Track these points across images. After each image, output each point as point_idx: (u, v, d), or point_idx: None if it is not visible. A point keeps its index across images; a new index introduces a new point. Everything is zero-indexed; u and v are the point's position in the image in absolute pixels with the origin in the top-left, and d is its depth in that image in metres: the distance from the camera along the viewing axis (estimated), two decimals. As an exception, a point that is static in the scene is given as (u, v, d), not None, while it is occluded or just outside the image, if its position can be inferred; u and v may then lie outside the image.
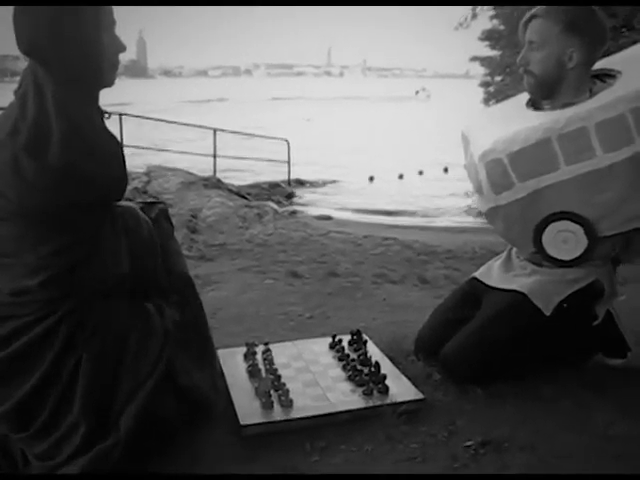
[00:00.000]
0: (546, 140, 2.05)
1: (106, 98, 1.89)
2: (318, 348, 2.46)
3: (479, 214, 11.55)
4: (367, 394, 2.07)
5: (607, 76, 2.20)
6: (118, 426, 1.73)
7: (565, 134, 2.04)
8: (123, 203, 1.93)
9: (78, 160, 1.66)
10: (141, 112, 15.43)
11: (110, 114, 1.90)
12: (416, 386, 2.13)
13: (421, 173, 18.64)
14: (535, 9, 2.16)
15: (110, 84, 1.83)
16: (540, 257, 2.21)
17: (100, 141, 1.74)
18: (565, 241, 2.13)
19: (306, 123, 35.59)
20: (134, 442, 1.73)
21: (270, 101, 66.94)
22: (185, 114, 29.59)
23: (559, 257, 2.16)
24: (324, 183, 16.53)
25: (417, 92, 79.62)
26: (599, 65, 2.22)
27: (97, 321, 1.77)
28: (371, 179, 17.51)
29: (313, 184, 16.19)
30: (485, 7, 13.28)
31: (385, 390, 2.08)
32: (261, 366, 2.27)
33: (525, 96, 2.31)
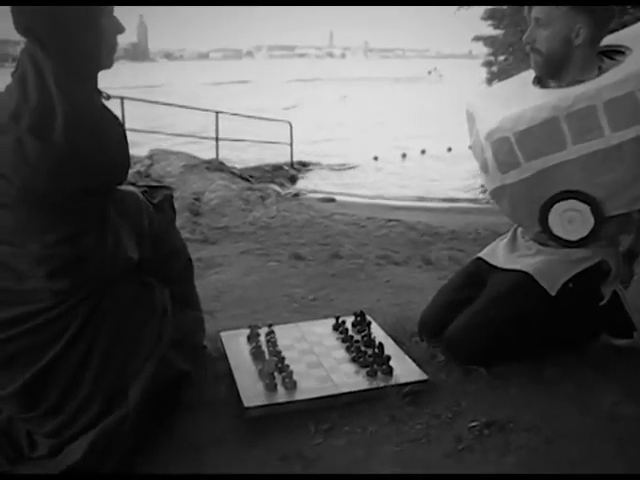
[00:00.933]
0: (554, 119, 2.02)
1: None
2: (322, 330, 2.45)
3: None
4: (371, 375, 2.06)
5: (616, 52, 2.16)
6: (126, 400, 1.74)
7: (573, 113, 2.01)
8: (124, 187, 1.92)
9: (82, 142, 1.64)
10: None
11: (109, 96, 1.88)
12: (420, 367, 2.12)
13: (424, 152, 18.61)
14: None
15: (109, 66, 1.82)
16: (546, 237, 2.20)
17: (104, 122, 1.74)
18: (571, 221, 2.11)
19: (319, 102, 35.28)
20: (143, 416, 1.76)
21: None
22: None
23: (565, 237, 2.15)
24: (328, 165, 16.50)
25: (429, 72, 79.03)
26: (607, 41, 2.17)
27: (109, 304, 1.78)
28: (375, 159, 17.49)
29: (317, 166, 16.15)
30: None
31: (389, 371, 2.07)
32: (264, 348, 2.27)
33: (530, 74, 2.28)
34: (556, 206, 2.11)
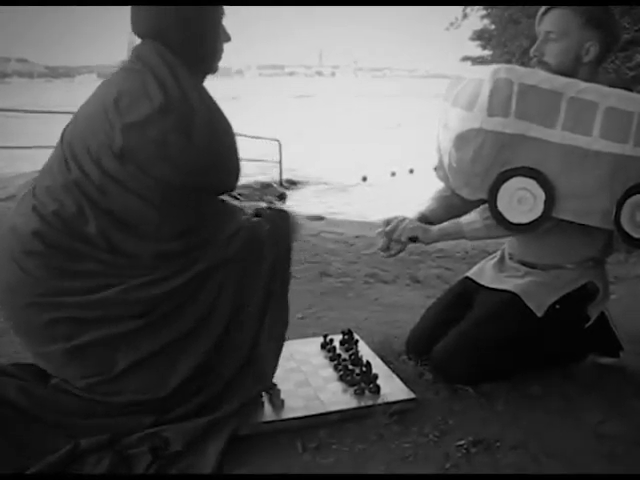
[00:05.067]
0: (559, 94, 1.97)
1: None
2: (309, 348, 2.45)
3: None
4: (358, 394, 2.07)
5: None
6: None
7: (577, 99, 1.97)
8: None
9: (217, 142, 1.73)
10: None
11: None
12: (407, 386, 2.12)
13: (412, 171, 18.61)
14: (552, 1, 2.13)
15: (215, 71, 1.90)
16: (488, 211, 2.09)
17: (227, 124, 1.82)
18: (521, 201, 2.03)
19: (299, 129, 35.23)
20: None
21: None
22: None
23: (506, 214, 2.06)
24: (316, 183, 16.49)
25: None
26: None
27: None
28: (364, 179, 17.49)
29: (305, 184, 16.15)
30: (476, 7, 13.29)
31: (376, 390, 2.08)
32: (252, 367, 2.26)
33: None
34: (515, 179, 2.03)
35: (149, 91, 1.70)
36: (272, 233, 1.96)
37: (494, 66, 2.03)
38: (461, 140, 2.05)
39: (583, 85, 1.99)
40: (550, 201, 2.02)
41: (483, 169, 2.04)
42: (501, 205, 2.05)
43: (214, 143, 1.72)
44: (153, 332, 1.77)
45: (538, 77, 1.99)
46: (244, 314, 1.89)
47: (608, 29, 2.12)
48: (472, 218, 2.17)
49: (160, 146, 1.67)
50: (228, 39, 1.90)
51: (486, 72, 2.02)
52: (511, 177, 2.02)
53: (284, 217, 2.04)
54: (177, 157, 1.67)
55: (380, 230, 2.28)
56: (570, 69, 2.12)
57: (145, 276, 1.75)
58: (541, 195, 2.02)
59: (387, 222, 2.28)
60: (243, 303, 1.88)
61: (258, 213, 2.03)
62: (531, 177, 2.01)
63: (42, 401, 1.76)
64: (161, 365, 1.78)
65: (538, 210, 2.04)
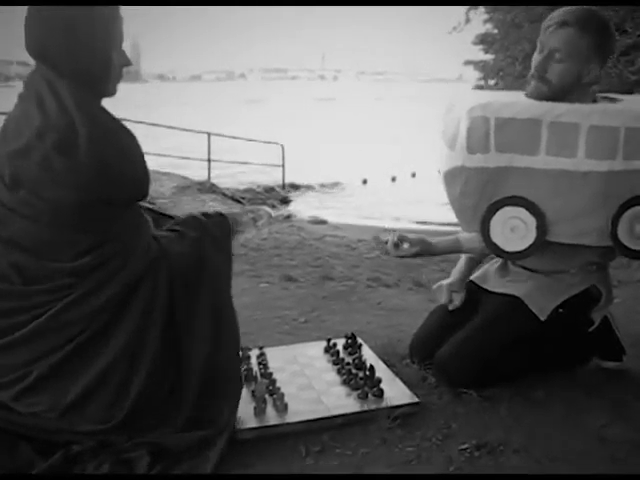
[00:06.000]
0: (538, 121, 1.98)
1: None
2: (313, 352, 2.46)
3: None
4: (362, 398, 2.07)
5: (608, 99, 2.20)
6: None
7: (557, 123, 1.97)
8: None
9: (107, 156, 1.70)
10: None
11: None
12: (411, 390, 2.13)
13: (414, 175, 18.59)
14: (564, 15, 2.06)
15: (113, 94, 1.88)
16: (482, 239, 2.12)
17: (124, 139, 1.79)
18: (513, 229, 2.06)
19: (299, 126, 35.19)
20: None
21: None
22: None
23: (500, 244, 2.08)
24: (319, 187, 16.48)
25: None
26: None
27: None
28: (364, 182, 17.49)
29: (308, 188, 16.14)
30: (478, 11, 13.33)
31: (380, 394, 2.08)
32: (256, 370, 2.27)
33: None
34: (505, 209, 2.05)
35: (31, 116, 1.70)
36: (213, 242, 2.09)
37: (470, 104, 2.05)
38: (448, 177, 2.10)
39: (562, 108, 1.99)
40: (542, 226, 2.04)
41: (472, 204, 2.08)
42: (494, 236, 2.08)
43: (104, 158, 1.69)
44: (93, 354, 1.75)
45: (515, 108, 2.01)
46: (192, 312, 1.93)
47: (609, 52, 2.13)
48: (472, 245, 2.27)
49: (45, 168, 1.66)
50: (128, 63, 1.88)
51: (465, 109, 2.04)
52: (500, 208, 2.05)
53: (224, 224, 2.17)
54: (63, 176, 1.66)
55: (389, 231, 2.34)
56: (569, 88, 2.10)
57: (68, 296, 1.74)
58: (532, 222, 2.04)
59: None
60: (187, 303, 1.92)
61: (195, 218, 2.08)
62: (519, 205, 2.04)
63: (15, 419, 1.76)
64: (110, 388, 1.76)
65: (531, 236, 2.06)
